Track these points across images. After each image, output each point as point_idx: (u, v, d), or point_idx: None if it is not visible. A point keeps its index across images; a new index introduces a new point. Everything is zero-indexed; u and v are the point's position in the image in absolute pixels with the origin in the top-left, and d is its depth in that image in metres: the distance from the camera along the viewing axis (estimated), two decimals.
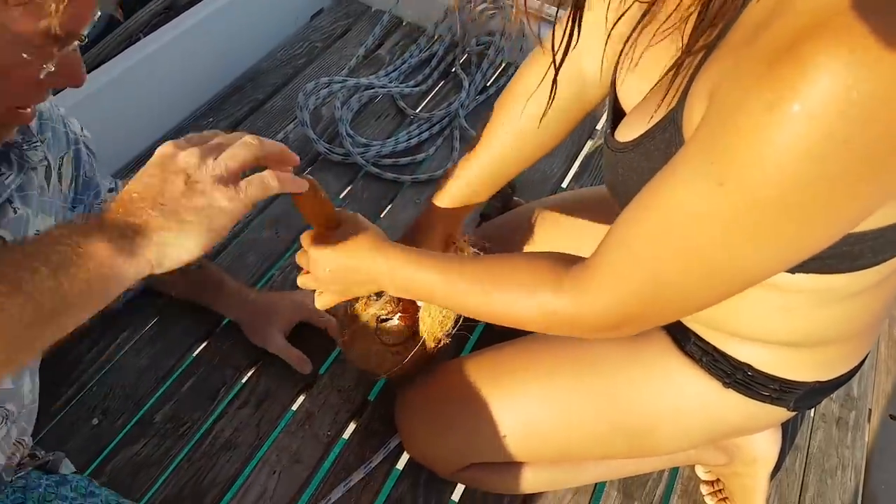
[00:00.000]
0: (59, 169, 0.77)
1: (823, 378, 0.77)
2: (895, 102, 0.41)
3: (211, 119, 1.42)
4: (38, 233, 0.67)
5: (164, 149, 0.55)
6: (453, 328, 0.90)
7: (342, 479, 1.00)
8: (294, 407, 1.08)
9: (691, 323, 0.79)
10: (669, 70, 0.56)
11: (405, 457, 1.05)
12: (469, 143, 0.97)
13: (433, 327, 0.90)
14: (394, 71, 1.58)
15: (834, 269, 0.61)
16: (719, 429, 0.86)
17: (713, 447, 1.01)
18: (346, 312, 0.94)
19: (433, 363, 0.98)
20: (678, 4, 0.56)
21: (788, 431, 1.17)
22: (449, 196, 0.96)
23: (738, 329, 0.74)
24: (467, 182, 0.95)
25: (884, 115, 0.42)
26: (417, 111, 1.52)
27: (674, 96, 0.57)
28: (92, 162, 0.87)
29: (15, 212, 0.67)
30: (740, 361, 0.76)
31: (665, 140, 0.59)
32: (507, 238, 1.07)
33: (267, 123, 1.44)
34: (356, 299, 0.91)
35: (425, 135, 1.47)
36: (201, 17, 1.36)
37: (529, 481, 0.99)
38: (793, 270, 0.61)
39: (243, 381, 1.09)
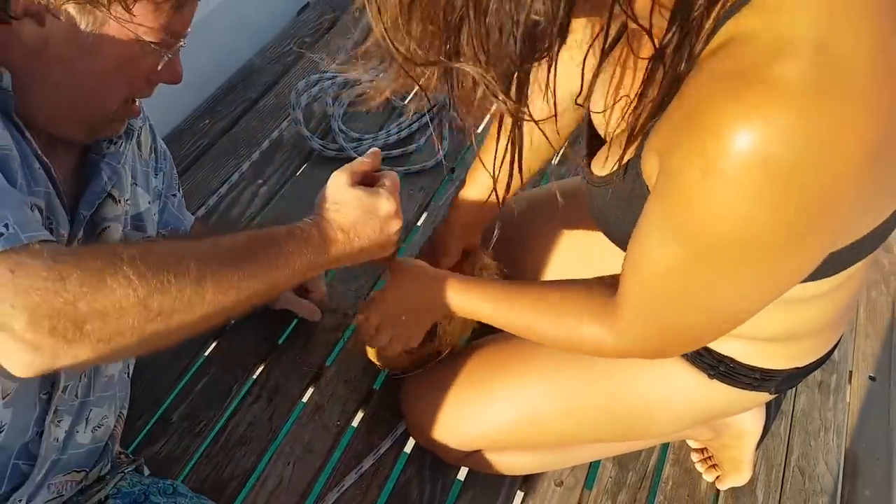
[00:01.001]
0: (139, 137, 0.88)
1: (800, 364, 0.83)
2: (810, 168, 0.46)
3: (207, 120, 1.45)
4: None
5: (389, 207, 0.79)
6: (469, 338, 0.95)
7: (353, 466, 1.06)
8: (304, 399, 1.14)
9: None
10: (622, 132, 0.61)
11: (412, 442, 1.11)
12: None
13: (452, 336, 0.95)
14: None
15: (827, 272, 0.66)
16: (707, 414, 0.92)
17: (701, 425, 1.07)
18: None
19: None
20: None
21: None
22: (466, 206, 1.01)
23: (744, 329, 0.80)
24: (481, 192, 1.00)
25: (802, 180, 0.47)
26: (406, 101, 1.56)
27: (631, 149, 0.62)
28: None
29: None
30: (723, 355, 0.82)
31: (630, 182, 0.64)
32: (508, 235, 1.11)
33: (261, 122, 1.47)
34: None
35: (415, 126, 1.50)
36: (194, 20, 1.38)
37: (530, 464, 1.06)
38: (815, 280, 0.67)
39: (254, 377, 1.15)
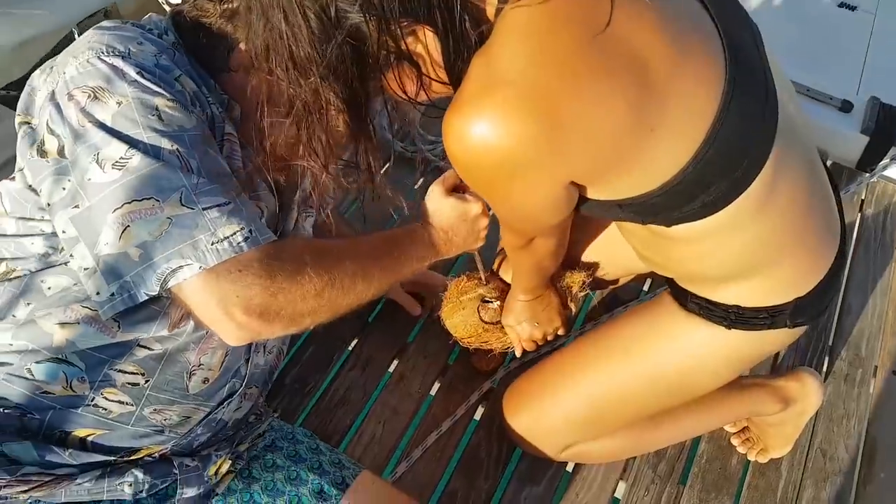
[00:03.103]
0: None
1: (801, 293, 0.92)
2: (491, 141, 0.67)
3: None
4: None
5: (478, 209, 1.03)
6: None
7: (433, 428, 1.26)
8: (391, 369, 1.35)
9: (684, 283, 1.00)
10: None
11: (481, 410, 1.31)
12: None
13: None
14: None
15: (675, 220, 0.83)
16: (741, 361, 1.03)
17: (770, 398, 1.22)
18: (456, 287, 1.22)
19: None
20: None
21: None
22: None
23: (706, 275, 0.94)
24: None
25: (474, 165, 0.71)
26: None
27: None
28: None
29: None
30: (728, 305, 0.94)
31: None
32: None
33: None
34: (467, 277, 1.22)
35: None
36: None
37: (620, 447, 1.22)
38: (667, 225, 0.85)
39: (349, 349, 1.35)
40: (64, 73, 0.79)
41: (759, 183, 0.80)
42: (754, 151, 0.79)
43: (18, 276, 0.82)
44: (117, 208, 0.74)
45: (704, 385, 1.09)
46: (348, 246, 0.90)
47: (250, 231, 0.77)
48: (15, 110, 1.60)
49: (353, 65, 0.69)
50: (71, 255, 0.78)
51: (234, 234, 0.76)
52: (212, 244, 0.74)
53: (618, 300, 1.48)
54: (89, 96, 0.76)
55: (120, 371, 0.83)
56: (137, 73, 0.78)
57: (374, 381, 1.32)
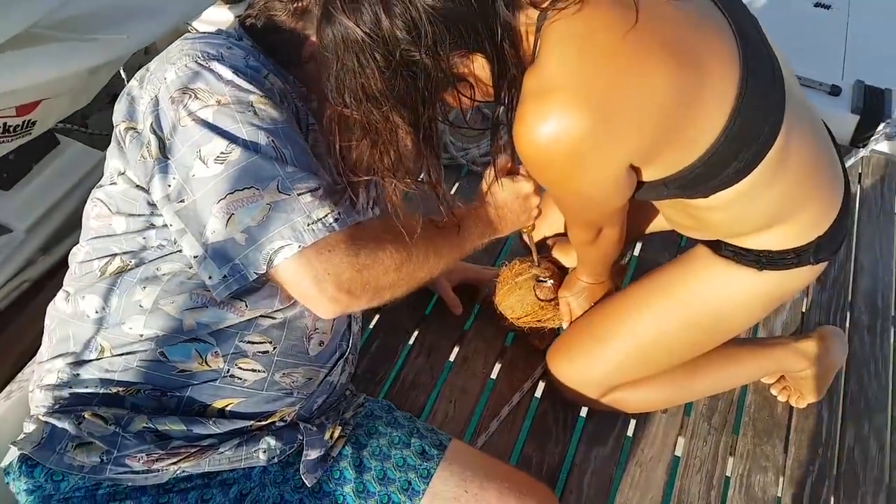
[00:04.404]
0: None
1: (820, 233, 1.04)
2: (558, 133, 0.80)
3: None
4: None
5: (529, 188, 1.13)
6: None
7: (502, 403, 1.34)
8: (452, 357, 1.43)
9: (720, 238, 1.10)
10: None
11: (541, 385, 1.40)
12: None
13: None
14: None
15: (708, 191, 0.95)
16: (770, 300, 1.14)
17: (794, 357, 1.33)
18: (510, 270, 1.32)
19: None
20: None
21: None
22: None
23: (740, 231, 1.06)
24: None
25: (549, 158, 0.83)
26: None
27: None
28: None
29: None
30: (759, 250, 1.06)
31: None
32: None
33: None
34: (520, 261, 1.32)
35: (506, 136, 1.80)
36: None
37: (656, 399, 1.31)
38: (705, 196, 0.96)
39: (411, 341, 1.44)
40: (164, 78, 0.87)
41: (776, 146, 0.93)
42: (771, 119, 0.92)
43: (132, 268, 0.90)
44: (221, 199, 0.82)
45: (738, 325, 1.20)
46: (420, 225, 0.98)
47: (339, 213, 0.85)
48: (77, 141, 1.68)
49: (416, 93, 0.81)
50: (180, 248, 0.86)
51: (326, 215, 0.84)
52: (308, 225, 0.83)
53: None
54: (190, 96, 0.84)
55: (249, 342, 0.91)
56: (233, 73, 0.86)
57: (439, 366, 1.40)
